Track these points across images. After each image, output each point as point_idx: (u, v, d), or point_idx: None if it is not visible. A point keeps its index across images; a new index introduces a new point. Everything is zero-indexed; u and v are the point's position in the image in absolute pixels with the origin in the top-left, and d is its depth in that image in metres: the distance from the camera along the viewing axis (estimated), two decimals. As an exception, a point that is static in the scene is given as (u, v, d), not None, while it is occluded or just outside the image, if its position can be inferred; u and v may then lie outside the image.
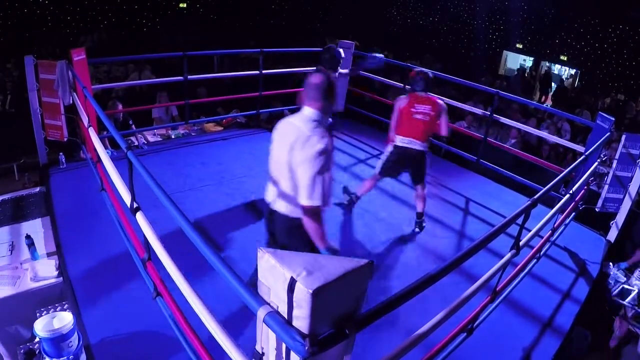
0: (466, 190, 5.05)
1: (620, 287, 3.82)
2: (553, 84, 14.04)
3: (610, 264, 4.09)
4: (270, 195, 2.44)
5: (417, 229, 4.10)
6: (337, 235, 3.91)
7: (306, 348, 1.20)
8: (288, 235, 2.42)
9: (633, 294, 3.69)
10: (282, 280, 1.30)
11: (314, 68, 4.27)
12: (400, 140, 3.96)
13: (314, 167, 2.15)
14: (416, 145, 3.90)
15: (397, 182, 5.06)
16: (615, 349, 3.42)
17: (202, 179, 4.59)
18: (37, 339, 2.38)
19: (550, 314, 3.30)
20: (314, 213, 2.22)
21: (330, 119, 2.41)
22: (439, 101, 3.90)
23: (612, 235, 4.38)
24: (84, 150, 4.46)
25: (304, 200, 2.19)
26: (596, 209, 4.46)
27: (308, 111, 2.29)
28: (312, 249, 2.39)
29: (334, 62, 4.06)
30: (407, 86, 4.20)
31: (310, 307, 1.22)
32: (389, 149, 4.04)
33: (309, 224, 2.25)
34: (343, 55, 4.15)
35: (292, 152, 2.20)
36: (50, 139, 4.49)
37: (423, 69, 4.08)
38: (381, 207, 4.46)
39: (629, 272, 3.99)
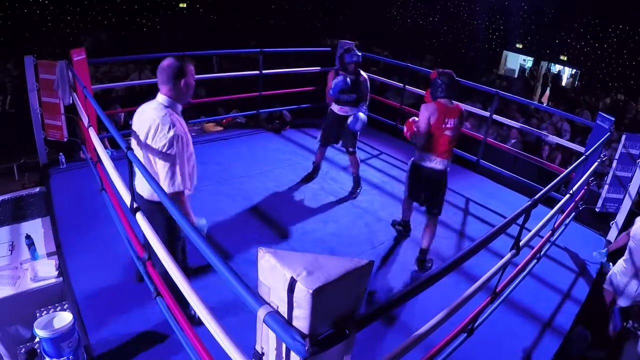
0: (466, 190, 5.04)
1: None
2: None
3: (595, 253, 4.10)
4: (137, 182, 2.42)
5: (417, 268, 3.60)
6: (337, 235, 3.91)
7: (306, 348, 1.20)
8: (151, 218, 2.31)
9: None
10: (282, 280, 1.30)
11: (335, 68, 4.46)
12: (424, 161, 3.47)
13: (170, 156, 2.21)
14: (440, 164, 3.44)
15: (397, 182, 5.07)
16: (615, 343, 3.43)
17: (202, 179, 4.56)
18: (37, 339, 2.38)
19: (550, 314, 3.30)
20: (177, 199, 2.28)
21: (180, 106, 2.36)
22: (463, 109, 3.44)
23: (612, 235, 4.38)
24: (84, 150, 4.46)
25: (167, 189, 2.23)
26: (596, 209, 4.47)
27: (160, 97, 2.30)
28: (171, 232, 2.44)
29: (342, 63, 4.27)
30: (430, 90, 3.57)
31: (311, 307, 1.22)
32: (410, 167, 3.61)
33: (175, 206, 2.13)
34: (354, 59, 4.23)
35: (147, 141, 2.23)
36: (50, 139, 4.49)
37: (446, 70, 3.42)
38: (381, 207, 4.46)
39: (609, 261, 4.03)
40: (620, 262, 3.75)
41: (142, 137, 2.27)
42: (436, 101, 3.36)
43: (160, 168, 2.24)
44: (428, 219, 3.63)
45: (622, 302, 3.66)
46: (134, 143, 2.39)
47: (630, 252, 3.63)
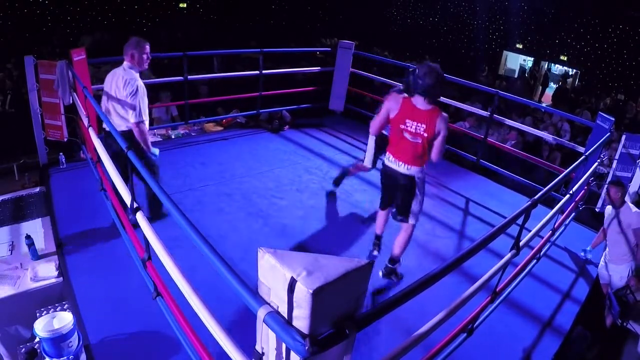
0: (466, 190, 5.04)
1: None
2: (552, 83, 14.06)
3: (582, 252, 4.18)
4: (112, 122, 3.25)
5: (381, 274, 3.31)
6: (337, 235, 3.91)
7: (306, 348, 1.20)
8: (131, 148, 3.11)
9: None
10: (282, 280, 1.30)
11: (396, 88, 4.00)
12: (387, 159, 3.12)
13: (135, 98, 3.19)
14: (404, 169, 3.01)
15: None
16: (614, 339, 3.45)
17: (202, 179, 4.59)
18: (37, 339, 2.38)
19: (550, 314, 3.30)
20: (141, 126, 3.27)
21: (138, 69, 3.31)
22: (440, 117, 2.80)
23: (612, 235, 4.37)
24: (84, 150, 4.46)
25: (133, 119, 3.23)
26: (596, 209, 4.47)
27: (124, 64, 3.28)
28: (140, 152, 3.22)
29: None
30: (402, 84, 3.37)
31: (311, 307, 1.22)
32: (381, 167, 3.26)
33: (138, 135, 3.29)
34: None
35: (119, 91, 3.22)
36: (50, 139, 4.49)
37: (430, 63, 2.84)
38: (381, 207, 4.46)
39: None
40: (605, 253, 3.95)
41: (114, 88, 3.26)
42: (406, 96, 2.93)
43: (130, 106, 3.21)
44: (400, 225, 3.24)
45: (614, 288, 3.74)
46: (104, 96, 3.36)
47: (607, 241, 3.90)
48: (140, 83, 3.24)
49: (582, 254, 4.13)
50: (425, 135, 2.83)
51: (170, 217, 1.83)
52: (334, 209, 4.32)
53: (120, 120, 3.31)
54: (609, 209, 3.93)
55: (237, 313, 2.79)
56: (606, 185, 4.39)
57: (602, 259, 3.96)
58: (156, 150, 3.51)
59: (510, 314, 3.22)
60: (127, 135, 3.27)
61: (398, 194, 3.17)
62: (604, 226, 3.96)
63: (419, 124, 2.82)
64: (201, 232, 1.69)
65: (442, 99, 5.76)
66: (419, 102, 2.81)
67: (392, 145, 3.05)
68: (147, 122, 3.37)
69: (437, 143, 2.87)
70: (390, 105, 2.93)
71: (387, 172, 3.16)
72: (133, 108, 3.20)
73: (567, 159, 6.36)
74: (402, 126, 2.88)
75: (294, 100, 6.43)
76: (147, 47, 3.30)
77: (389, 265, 3.31)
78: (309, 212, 4.22)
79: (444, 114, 2.83)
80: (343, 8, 17.14)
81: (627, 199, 3.91)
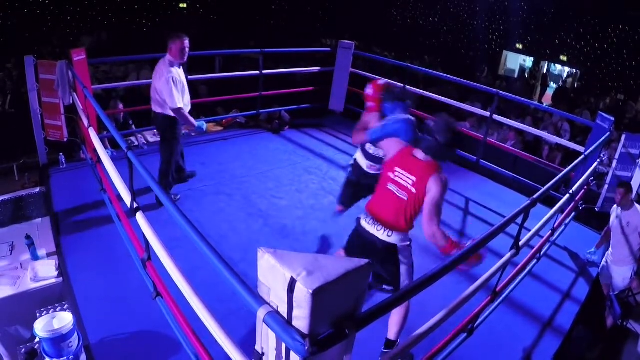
0: (466, 190, 5.04)
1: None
2: (552, 83, 14.07)
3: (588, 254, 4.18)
4: (154, 106, 3.75)
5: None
6: (337, 235, 3.90)
7: (306, 348, 1.20)
8: (160, 129, 3.82)
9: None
10: (282, 280, 1.30)
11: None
12: (363, 219, 2.49)
13: (169, 85, 3.50)
14: (383, 234, 2.39)
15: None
16: (614, 339, 3.45)
17: (202, 179, 4.58)
18: (37, 339, 2.38)
19: (550, 314, 3.30)
20: (179, 112, 3.61)
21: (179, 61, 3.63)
22: (436, 176, 2.27)
23: (612, 235, 4.38)
24: (84, 150, 4.46)
25: (172, 105, 3.56)
26: (596, 209, 4.47)
27: (166, 57, 3.59)
28: (174, 135, 3.76)
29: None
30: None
31: (310, 307, 1.22)
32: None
33: (180, 117, 3.66)
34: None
35: (156, 80, 3.60)
36: (50, 139, 4.49)
37: (448, 118, 2.41)
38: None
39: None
40: (607, 253, 3.96)
41: (155, 78, 3.62)
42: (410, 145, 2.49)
43: (166, 94, 3.55)
44: None
45: (616, 290, 3.74)
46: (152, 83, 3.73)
47: (611, 242, 3.90)
48: (174, 75, 3.55)
49: (588, 255, 4.11)
50: (413, 190, 2.29)
51: (171, 217, 1.83)
52: (333, 209, 4.31)
53: (159, 105, 3.68)
54: (615, 209, 3.92)
55: (237, 313, 2.79)
56: (606, 186, 4.40)
57: (604, 259, 3.96)
58: (203, 124, 3.90)
59: (510, 314, 3.22)
60: (165, 118, 3.71)
61: (377, 264, 2.49)
62: (609, 227, 3.96)
63: (409, 175, 2.32)
64: (201, 232, 1.69)
65: (442, 99, 5.76)
66: (420, 152, 2.37)
67: (373, 198, 2.49)
68: (185, 105, 3.69)
69: (426, 206, 2.28)
70: (391, 145, 2.50)
71: (360, 235, 2.49)
72: (168, 97, 3.55)
73: (567, 158, 6.37)
74: (391, 174, 2.39)
75: (294, 100, 6.43)
76: (186, 41, 3.57)
77: (384, 350, 2.51)
78: (308, 212, 4.22)
79: (442, 175, 2.30)
80: (343, 8, 17.14)
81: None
